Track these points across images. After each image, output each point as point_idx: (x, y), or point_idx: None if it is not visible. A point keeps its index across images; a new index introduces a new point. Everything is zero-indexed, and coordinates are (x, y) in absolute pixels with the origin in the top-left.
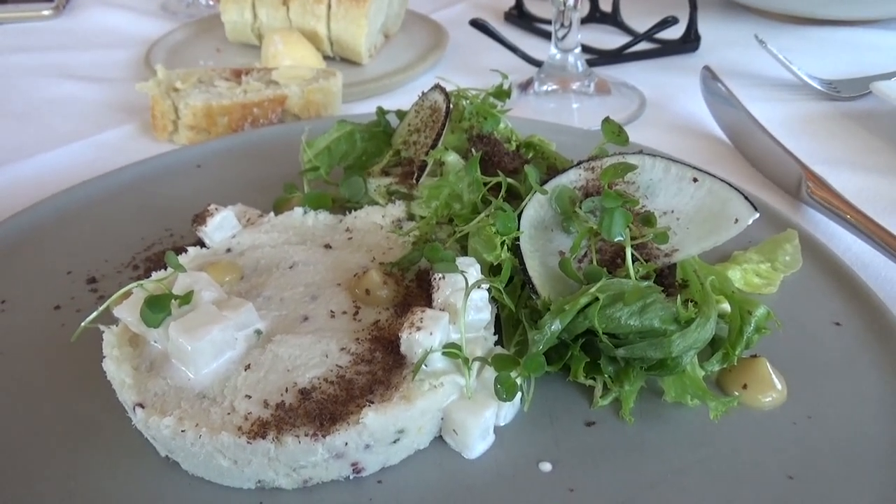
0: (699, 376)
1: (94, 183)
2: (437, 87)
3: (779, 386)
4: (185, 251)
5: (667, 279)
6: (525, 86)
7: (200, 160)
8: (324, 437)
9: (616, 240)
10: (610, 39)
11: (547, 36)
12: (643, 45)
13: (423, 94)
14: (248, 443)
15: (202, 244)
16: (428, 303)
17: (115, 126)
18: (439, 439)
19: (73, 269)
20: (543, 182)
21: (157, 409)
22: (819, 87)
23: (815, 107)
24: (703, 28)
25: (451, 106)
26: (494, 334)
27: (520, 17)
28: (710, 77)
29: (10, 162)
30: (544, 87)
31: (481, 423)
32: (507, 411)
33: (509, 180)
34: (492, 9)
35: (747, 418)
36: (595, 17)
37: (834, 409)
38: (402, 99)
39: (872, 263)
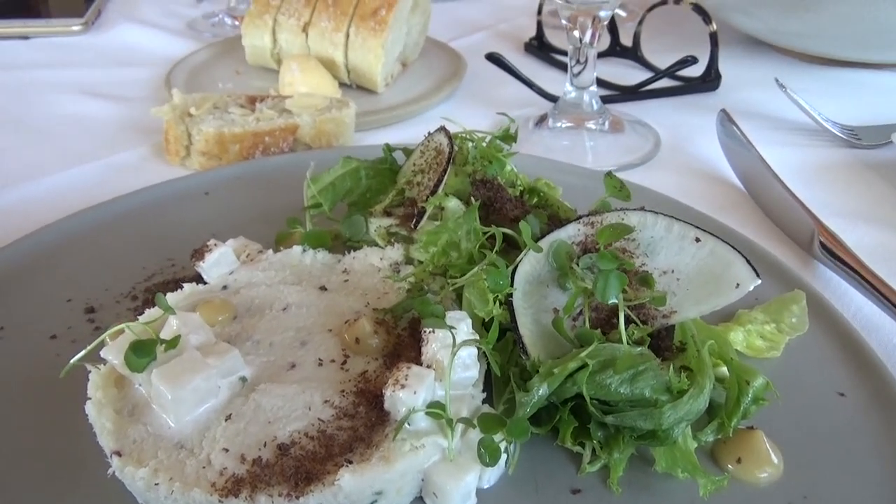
0: (691, 448)
1: (100, 208)
2: (441, 129)
3: (775, 461)
4: (181, 287)
5: (664, 341)
6: (540, 121)
7: (209, 187)
8: (297, 497)
9: (610, 303)
10: (630, 74)
11: (566, 68)
12: (663, 82)
13: (429, 134)
14: (219, 501)
15: (201, 279)
16: (419, 354)
17: (129, 148)
18: (420, 499)
19: (73, 297)
20: (542, 235)
21: (134, 457)
22: (839, 134)
23: (834, 154)
24: (724, 66)
25: (455, 150)
26: (483, 391)
27: (540, 48)
28: (726, 120)
29: (23, 181)
30: (559, 124)
31: (461, 488)
32: (492, 473)
33: (507, 231)
34: (512, 38)
35: (740, 494)
36: (615, 51)
37: (831, 488)
38: (416, 129)
39: (883, 327)
